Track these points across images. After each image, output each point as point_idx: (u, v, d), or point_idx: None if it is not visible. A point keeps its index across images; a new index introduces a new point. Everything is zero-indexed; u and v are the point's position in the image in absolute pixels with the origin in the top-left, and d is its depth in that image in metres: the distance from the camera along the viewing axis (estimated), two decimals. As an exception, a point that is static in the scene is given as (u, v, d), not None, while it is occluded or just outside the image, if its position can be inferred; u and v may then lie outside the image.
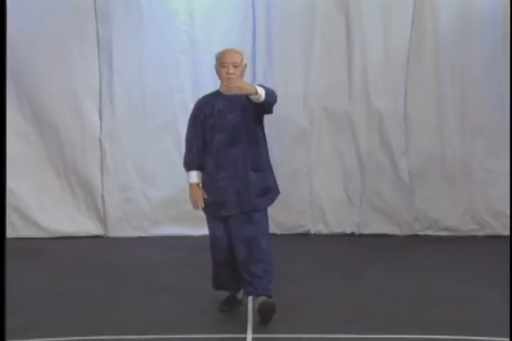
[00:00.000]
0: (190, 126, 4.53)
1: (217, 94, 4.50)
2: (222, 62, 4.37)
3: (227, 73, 4.34)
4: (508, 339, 4.14)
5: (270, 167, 4.55)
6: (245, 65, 4.49)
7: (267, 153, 4.54)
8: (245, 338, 4.25)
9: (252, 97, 4.17)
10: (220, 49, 4.51)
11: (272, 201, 4.55)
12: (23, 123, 6.86)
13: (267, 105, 4.28)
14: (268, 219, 4.56)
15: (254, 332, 4.33)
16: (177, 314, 4.65)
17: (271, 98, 4.25)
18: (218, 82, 4.45)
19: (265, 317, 4.39)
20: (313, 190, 7.06)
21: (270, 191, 4.51)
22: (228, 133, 4.39)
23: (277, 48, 6.88)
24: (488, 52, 6.78)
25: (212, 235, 4.59)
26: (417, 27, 6.79)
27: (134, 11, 6.78)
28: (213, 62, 4.41)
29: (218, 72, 4.40)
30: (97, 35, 6.79)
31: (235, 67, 4.35)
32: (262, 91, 4.17)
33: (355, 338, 4.25)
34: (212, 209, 4.51)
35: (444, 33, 6.79)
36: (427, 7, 6.76)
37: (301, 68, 6.90)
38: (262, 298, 4.42)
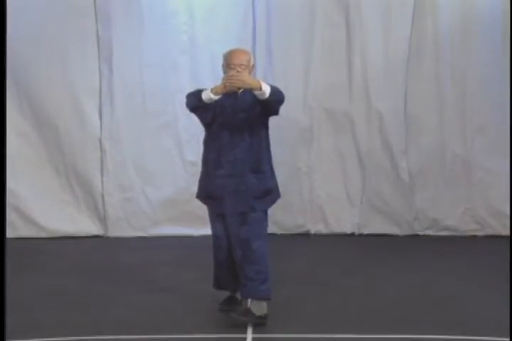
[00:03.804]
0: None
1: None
2: (229, 63, 4.36)
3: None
4: (508, 339, 4.14)
5: (272, 170, 4.54)
6: (253, 66, 4.49)
7: (270, 156, 4.54)
8: (245, 338, 4.25)
9: (256, 93, 4.18)
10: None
11: (271, 204, 4.55)
12: (23, 123, 6.86)
13: (273, 104, 4.28)
14: (267, 220, 4.56)
15: (254, 332, 4.33)
16: (177, 314, 4.66)
17: (277, 97, 4.25)
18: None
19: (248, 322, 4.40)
20: (313, 190, 7.05)
21: (270, 194, 4.51)
22: (231, 133, 4.39)
23: (277, 48, 6.87)
24: (488, 52, 6.77)
25: (214, 235, 4.61)
26: (417, 27, 6.78)
27: (134, 11, 6.77)
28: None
29: (225, 73, 4.39)
30: (97, 35, 6.79)
31: (242, 68, 4.34)
32: (266, 88, 4.17)
33: (355, 338, 4.25)
34: (210, 203, 4.54)
35: (444, 32, 6.79)
36: (427, 7, 6.75)
37: (301, 68, 6.90)
38: (250, 303, 4.45)
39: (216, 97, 4.27)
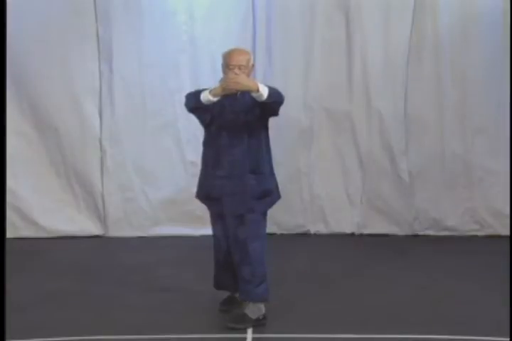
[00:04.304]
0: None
1: None
2: (227, 63, 4.36)
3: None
4: (508, 339, 4.14)
5: (272, 171, 4.53)
6: (252, 66, 4.49)
7: (270, 157, 4.53)
8: (245, 338, 4.25)
9: (254, 95, 4.18)
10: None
11: (270, 205, 4.54)
12: (23, 123, 6.85)
13: (271, 105, 4.28)
14: (266, 221, 4.55)
15: (254, 332, 4.34)
16: (177, 314, 4.66)
17: (275, 98, 4.24)
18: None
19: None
20: (313, 190, 7.05)
21: (269, 195, 4.49)
22: (230, 134, 4.38)
23: (277, 48, 6.87)
24: (488, 52, 6.77)
25: (214, 236, 4.63)
26: (417, 27, 6.78)
27: (133, 11, 6.77)
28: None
29: (224, 73, 4.39)
30: (97, 35, 6.79)
31: (241, 69, 4.34)
32: (264, 90, 4.17)
33: (355, 338, 4.25)
34: (209, 204, 4.55)
35: (444, 32, 6.78)
36: (427, 7, 6.75)
37: (301, 68, 6.89)
38: (247, 305, 4.44)
39: (215, 99, 4.27)
